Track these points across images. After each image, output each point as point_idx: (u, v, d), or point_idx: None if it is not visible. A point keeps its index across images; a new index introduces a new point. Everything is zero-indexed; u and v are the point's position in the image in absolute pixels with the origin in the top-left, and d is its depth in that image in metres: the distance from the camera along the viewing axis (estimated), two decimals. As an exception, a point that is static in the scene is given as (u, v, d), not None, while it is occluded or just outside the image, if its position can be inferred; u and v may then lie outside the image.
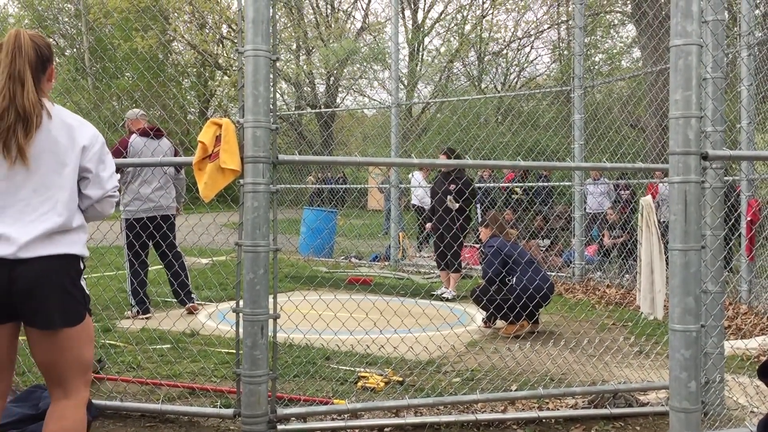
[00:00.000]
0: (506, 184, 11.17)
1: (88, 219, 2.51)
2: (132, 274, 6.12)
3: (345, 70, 24.29)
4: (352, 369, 4.42)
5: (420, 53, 25.80)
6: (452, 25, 25.28)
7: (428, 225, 8.32)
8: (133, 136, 6.18)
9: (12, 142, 2.29)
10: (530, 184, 10.75)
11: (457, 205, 7.47)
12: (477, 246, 9.33)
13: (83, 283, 2.46)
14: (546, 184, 10.59)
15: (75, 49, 28.16)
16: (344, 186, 14.76)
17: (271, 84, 3.25)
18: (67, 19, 28.62)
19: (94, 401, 3.49)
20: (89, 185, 2.43)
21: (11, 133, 2.29)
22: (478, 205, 10.86)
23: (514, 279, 5.79)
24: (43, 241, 2.31)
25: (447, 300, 7.37)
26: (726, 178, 4.21)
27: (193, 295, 6.37)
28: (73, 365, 2.39)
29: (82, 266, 2.45)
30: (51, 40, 27.23)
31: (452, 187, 7.42)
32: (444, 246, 7.50)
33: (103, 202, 2.48)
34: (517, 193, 10.87)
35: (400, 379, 4.24)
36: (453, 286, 7.69)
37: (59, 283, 2.33)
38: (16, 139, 2.29)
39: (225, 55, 25.54)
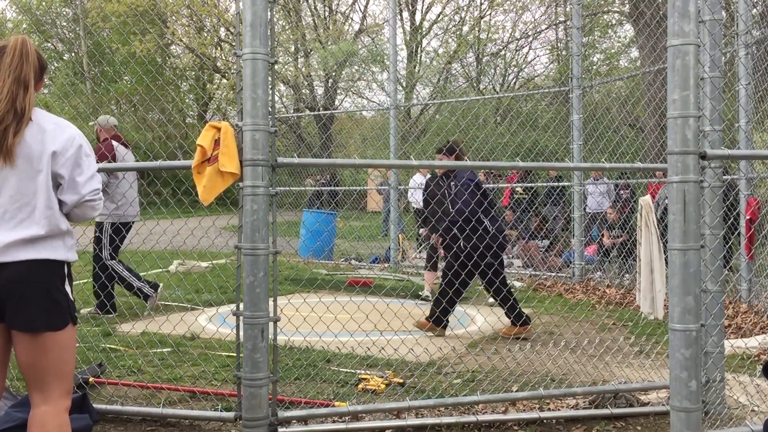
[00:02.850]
0: (510, 185, 11.17)
1: (70, 221, 2.51)
2: (117, 277, 6.29)
3: (343, 72, 24.27)
4: (353, 371, 4.42)
5: (418, 55, 25.81)
6: (450, 26, 25.30)
7: (422, 230, 8.16)
8: (114, 143, 6.25)
9: (5, 143, 2.32)
10: (536, 184, 10.74)
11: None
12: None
13: (68, 288, 2.45)
14: (548, 184, 10.57)
15: (73, 54, 28.14)
16: (342, 188, 14.74)
17: (270, 87, 3.25)
18: (65, 24, 28.62)
19: (94, 405, 3.49)
20: (64, 191, 2.42)
21: (6, 134, 2.32)
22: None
23: (488, 221, 5.47)
24: (24, 246, 2.34)
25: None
26: (725, 177, 4.21)
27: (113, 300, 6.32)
28: (52, 369, 2.40)
29: (66, 271, 2.45)
30: (49, 44, 27.31)
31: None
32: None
33: (82, 206, 2.46)
34: (518, 193, 10.87)
35: (401, 380, 4.24)
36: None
37: (40, 288, 2.35)
38: (6, 139, 2.32)
39: (223, 58, 25.49)
